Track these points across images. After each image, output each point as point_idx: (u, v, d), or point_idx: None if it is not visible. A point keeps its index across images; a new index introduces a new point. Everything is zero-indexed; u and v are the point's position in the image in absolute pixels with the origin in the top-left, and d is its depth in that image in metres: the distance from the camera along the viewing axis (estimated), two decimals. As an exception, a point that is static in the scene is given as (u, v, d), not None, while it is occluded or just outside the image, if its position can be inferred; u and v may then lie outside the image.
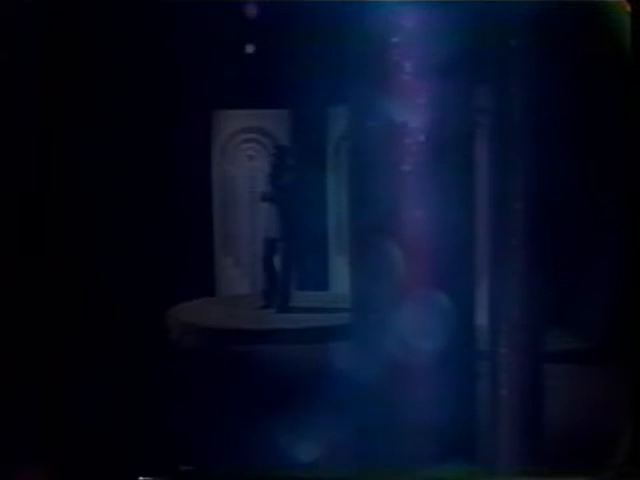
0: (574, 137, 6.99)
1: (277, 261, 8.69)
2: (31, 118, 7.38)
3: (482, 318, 3.09)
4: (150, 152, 8.77)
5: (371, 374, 2.11)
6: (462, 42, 2.06)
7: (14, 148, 5.99)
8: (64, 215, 8.21)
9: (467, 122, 2.11)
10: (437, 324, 2.08)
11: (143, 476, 4.39)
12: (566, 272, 7.15)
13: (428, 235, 2.11)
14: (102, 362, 6.55)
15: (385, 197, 2.07)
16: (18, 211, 6.47)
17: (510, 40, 3.51)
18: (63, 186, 8.31)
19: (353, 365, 2.18)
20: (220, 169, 9.68)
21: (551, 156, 3.78)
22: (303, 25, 7.06)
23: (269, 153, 8.99)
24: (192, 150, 9.23)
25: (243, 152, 9.68)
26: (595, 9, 2.83)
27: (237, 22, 8.93)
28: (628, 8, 2.48)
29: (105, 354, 6.73)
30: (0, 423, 4.17)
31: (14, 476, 3.87)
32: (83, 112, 8.46)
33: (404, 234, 2.07)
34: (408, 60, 2.02)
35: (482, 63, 3.32)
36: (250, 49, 9.34)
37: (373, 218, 2.09)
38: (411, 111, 2.04)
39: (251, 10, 8.88)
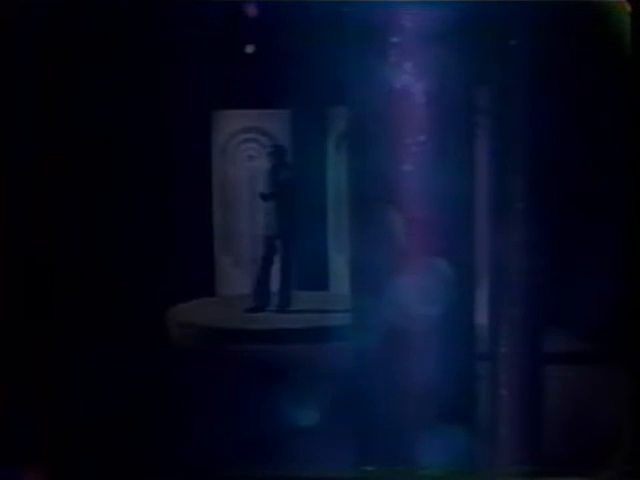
0: (574, 137, 6.99)
1: (276, 261, 8.69)
2: (28, 116, 7.37)
3: (482, 318, 3.09)
4: (150, 152, 8.77)
5: (370, 344, 2.11)
6: (462, 42, 2.06)
7: (12, 146, 5.98)
8: (64, 215, 8.21)
9: (467, 122, 2.11)
10: (437, 290, 2.08)
11: (143, 476, 4.39)
12: (566, 272, 7.15)
13: (428, 232, 2.10)
14: (102, 362, 6.54)
15: (383, 195, 2.07)
16: (17, 211, 6.47)
17: (510, 40, 3.51)
18: (63, 186, 8.30)
19: (352, 333, 2.18)
20: (220, 169, 9.67)
21: (551, 156, 3.78)
22: (303, 25, 7.06)
23: (267, 152, 8.99)
24: (192, 150, 9.23)
25: (243, 152, 9.68)
26: (595, 9, 2.82)
27: (237, 22, 8.93)
28: (628, 8, 2.48)
29: (105, 354, 6.73)
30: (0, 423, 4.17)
31: (14, 476, 3.87)
32: (83, 112, 8.46)
33: (402, 228, 2.07)
34: (408, 60, 2.02)
35: (482, 63, 3.32)
36: (250, 49, 9.34)
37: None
38: (411, 111, 2.04)
39: (251, 10, 8.88)
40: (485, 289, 3.60)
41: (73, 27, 7.50)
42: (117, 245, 8.41)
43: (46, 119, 7.91)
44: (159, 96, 8.61)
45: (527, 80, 3.57)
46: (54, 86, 7.96)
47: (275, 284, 8.67)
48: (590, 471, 3.25)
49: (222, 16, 8.65)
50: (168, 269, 8.56)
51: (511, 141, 3.59)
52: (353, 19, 2.09)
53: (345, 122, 2.33)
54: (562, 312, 6.87)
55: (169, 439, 5.21)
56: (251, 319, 8.35)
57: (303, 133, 9.48)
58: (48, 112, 7.90)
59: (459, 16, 2.05)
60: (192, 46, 8.69)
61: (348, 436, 2.26)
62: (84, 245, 8.24)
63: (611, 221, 6.15)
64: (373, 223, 2.07)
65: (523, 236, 3.63)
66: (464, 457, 2.16)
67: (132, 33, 8.03)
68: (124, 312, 7.62)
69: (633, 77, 2.52)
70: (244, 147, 9.69)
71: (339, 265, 9.26)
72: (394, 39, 2.03)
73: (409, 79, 2.00)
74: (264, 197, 8.67)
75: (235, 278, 9.43)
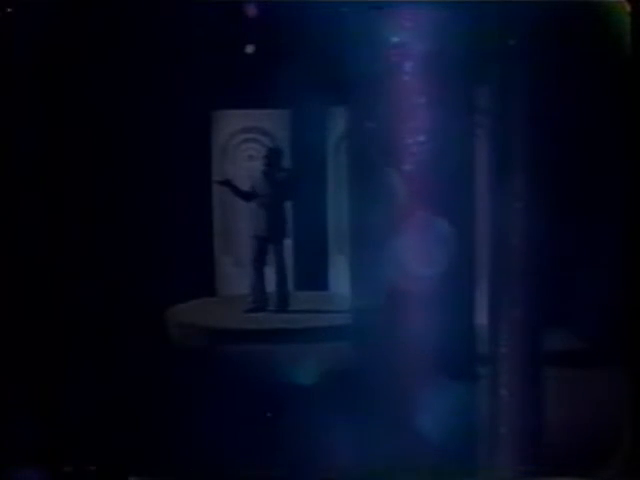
0: (574, 137, 6.99)
1: (270, 262, 8.68)
2: (30, 112, 7.37)
3: (482, 318, 3.09)
4: (150, 152, 8.77)
5: (371, 307, 2.11)
6: (462, 42, 2.06)
7: (12, 143, 5.98)
8: (64, 215, 8.21)
9: (467, 122, 2.11)
10: (437, 249, 2.08)
11: (142, 476, 4.39)
12: (566, 272, 7.16)
13: (428, 228, 2.11)
14: (102, 362, 6.55)
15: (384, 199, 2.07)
16: (17, 210, 6.47)
17: (510, 40, 3.51)
18: (63, 185, 8.31)
19: (353, 295, 2.18)
20: (220, 169, 9.67)
21: (551, 156, 3.78)
22: (303, 25, 7.06)
23: (262, 154, 8.99)
24: (192, 150, 9.23)
25: (243, 152, 9.68)
26: (595, 9, 2.83)
27: (237, 22, 8.93)
28: (628, 8, 2.48)
29: (105, 354, 6.73)
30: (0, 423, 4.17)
31: (14, 476, 3.87)
32: (82, 111, 8.46)
33: (400, 242, 2.08)
34: (408, 60, 2.02)
35: (482, 63, 3.32)
36: (250, 49, 9.34)
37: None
38: (411, 111, 2.04)
39: (251, 10, 8.88)
40: (485, 289, 3.60)
41: (73, 27, 7.50)
42: (117, 245, 8.41)
43: (45, 119, 7.91)
44: (159, 96, 8.61)
45: (527, 80, 3.57)
46: (54, 86, 7.96)
47: (271, 285, 8.67)
48: (590, 471, 3.25)
49: (222, 16, 8.65)
50: (168, 269, 8.57)
51: (511, 141, 3.59)
52: (353, 19, 2.09)
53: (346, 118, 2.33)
54: (562, 312, 6.87)
55: (169, 439, 5.21)
56: (251, 319, 8.35)
57: (303, 133, 9.47)
58: (47, 112, 7.90)
59: (459, 16, 2.05)
60: (192, 46, 8.69)
61: (348, 436, 2.26)
62: (84, 244, 8.24)
63: (611, 221, 6.15)
64: (373, 183, 2.06)
65: (523, 236, 3.63)
66: (464, 457, 2.16)
67: (132, 33, 8.03)
68: (124, 312, 7.62)
69: (633, 77, 2.52)
70: (244, 147, 9.69)
71: (339, 265, 9.26)
72: (394, 39, 2.03)
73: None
74: (246, 197, 8.67)
75: (235, 278, 9.43)
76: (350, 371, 2.21)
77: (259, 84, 9.13)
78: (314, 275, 9.52)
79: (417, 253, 2.03)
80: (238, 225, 8.93)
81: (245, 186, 8.74)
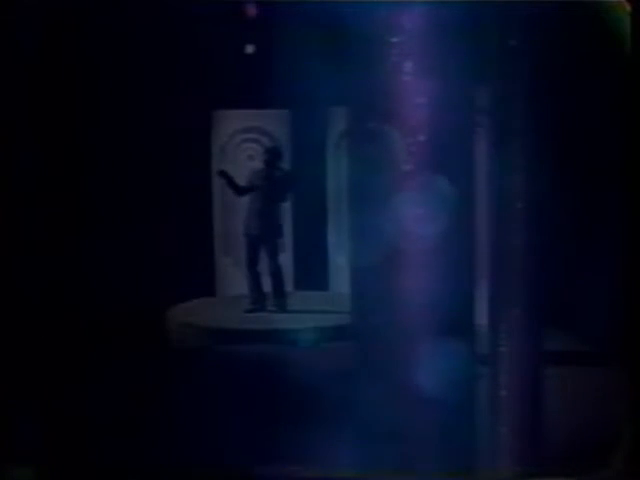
0: (574, 137, 6.99)
1: (264, 262, 8.66)
2: (30, 115, 7.37)
3: (482, 318, 3.09)
4: (150, 152, 8.77)
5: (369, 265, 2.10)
6: (462, 42, 2.06)
7: (13, 146, 5.98)
8: (64, 215, 8.21)
9: (467, 122, 2.11)
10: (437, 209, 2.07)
11: (142, 476, 4.39)
12: (566, 272, 7.15)
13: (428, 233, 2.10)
14: (102, 362, 6.55)
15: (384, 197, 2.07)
16: (20, 211, 6.47)
17: (509, 40, 3.51)
18: (63, 185, 8.31)
19: (352, 253, 2.17)
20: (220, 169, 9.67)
21: (551, 156, 3.78)
22: (303, 25, 7.06)
23: (261, 152, 8.99)
24: (192, 150, 9.23)
25: (243, 152, 9.67)
26: (595, 9, 2.82)
27: (237, 22, 8.93)
28: (628, 8, 2.48)
29: (104, 354, 6.73)
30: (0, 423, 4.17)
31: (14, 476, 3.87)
32: (83, 112, 8.46)
33: (403, 256, 2.07)
34: (408, 60, 2.02)
35: (482, 63, 3.32)
36: (250, 49, 9.33)
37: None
38: (410, 111, 2.04)
39: (251, 10, 8.88)
40: (485, 289, 3.60)
41: (73, 27, 7.50)
42: (117, 245, 8.41)
43: (45, 119, 7.91)
44: (159, 96, 8.62)
45: (527, 80, 3.57)
46: (53, 86, 7.96)
47: (268, 285, 8.66)
48: (590, 471, 3.25)
49: (222, 16, 8.65)
50: (168, 269, 8.57)
51: (511, 141, 3.59)
52: (353, 19, 2.09)
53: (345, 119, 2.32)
54: (562, 312, 6.87)
55: (169, 439, 5.21)
56: (251, 319, 8.35)
57: (303, 133, 9.47)
58: (47, 112, 7.90)
59: (459, 16, 2.05)
60: (192, 46, 8.69)
61: (347, 435, 2.26)
62: (84, 245, 8.24)
63: (611, 221, 6.15)
64: (372, 143, 2.05)
65: (523, 236, 3.63)
66: (464, 456, 2.16)
67: (132, 33, 8.03)
68: (124, 312, 7.62)
69: (633, 77, 2.52)
70: (244, 147, 9.68)
71: (339, 265, 9.26)
72: (394, 39, 2.03)
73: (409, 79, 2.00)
74: (239, 191, 8.66)
75: (235, 278, 9.43)
76: (350, 367, 2.21)
77: (259, 84, 9.13)
78: (314, 275, 9.52)
79: (416, 213, 2.02)
80: (238, 226, 8.92)
81: (241, 183, 8.74)
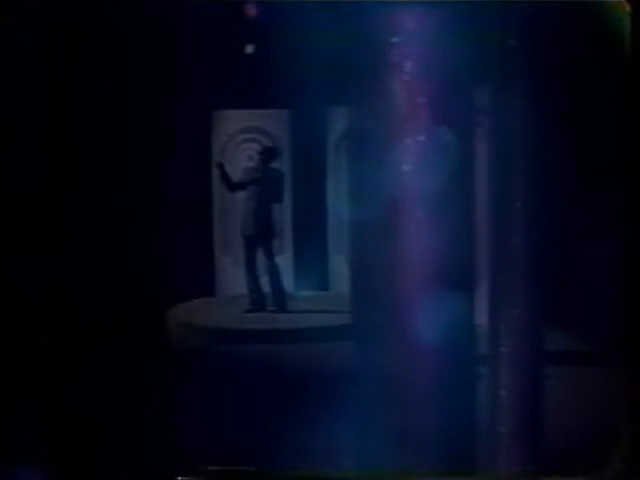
0: (574, 137, 6.99)
1: (261, 262, 8.66)
2: (31, 116, 7.37)
3: (482, 318, 3.09)
4: (150, 152, 8.77)
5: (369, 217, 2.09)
6: (462, 42, 2.06)
7: (14, 147, 5.98)
8: (64, 215, 8.21)
9: (467, 122, 2.11)
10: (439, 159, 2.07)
11: (142, 476, 4.39)
12: (566, 272, 7.16)
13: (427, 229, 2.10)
14: (102, 362, 6.55)
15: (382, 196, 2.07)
16: (20, 212, 6.47)
17: (509, 40, 3.52)
18: (63, 185, 8.31)
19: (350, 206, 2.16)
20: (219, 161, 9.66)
21: (551, 156, 3.79)
22: (303, 25, 7.06)
23: (258, 151, 8.99)
24: (192, 150, 9.24)
25: (243, 152, 9.67)
26: (595, 9, 2.83)
27: (237, 22, 8.93)
28: (628, 8, 2.48)
29: (104, 354, 6.73)
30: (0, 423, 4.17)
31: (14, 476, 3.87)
32: (83, 112, 8.46)
33: (402, 237, 2.07)
34: (408, 60, 2.02)
35: (482, 63, 3.32)
36: (250, 49, 9.34)
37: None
38: (410, 111, 2.04)
39: (251, 10, 8.88)
40: (485, 289, 3.61)
41: (73, 27, 7.50)
42: (117, 245, 8.41)
43: (45, 119, 7.91)
44: (159, 96, 8.62)
45: (527, 80, 3.57)
46: (53, 86, 7.96)
47: (267, 285, 8.66)
48: (590, 471, 3.25)
49: (222, 16, 8.65)
50: (168, 269, 8.57)
51: (511, 141, 3.59)
52: (353, 19, 2.09)
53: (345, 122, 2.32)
54: (562, 312, 6.87)
55: (168, 438, 5.21)
56: (250, 319, 8.35)
57: (303, 133, 9.48)
58: (47, 112, 7.90)
59: (459, 16, 2.05)
60: (192, 46, 8.69)
61: (347, 436, 2.26)
62: (84, 244, 8.24)
63: (611, 221, 6.15)
64: (373, 92, 2.04)
65: (523, 236, 3.63)
66: (463, 456, 2.16)
67: (132, 33, 8.03)
68: (124, 312, 7.62)
69: (633, 77, 2.52)
70: (244, 147, 9.68)
71: (339, 265, 9.26)
72: (394, 39, 2.03)
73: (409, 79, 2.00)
74: (231, 187, 8.66)
75: (235, 278, 9.43)
76: (349, 365, 2.21)
77: (259, 84, 9.13)
78: (314, 275, 9.52)
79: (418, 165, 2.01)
80: (238, 226, 8.92)
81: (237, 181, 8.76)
